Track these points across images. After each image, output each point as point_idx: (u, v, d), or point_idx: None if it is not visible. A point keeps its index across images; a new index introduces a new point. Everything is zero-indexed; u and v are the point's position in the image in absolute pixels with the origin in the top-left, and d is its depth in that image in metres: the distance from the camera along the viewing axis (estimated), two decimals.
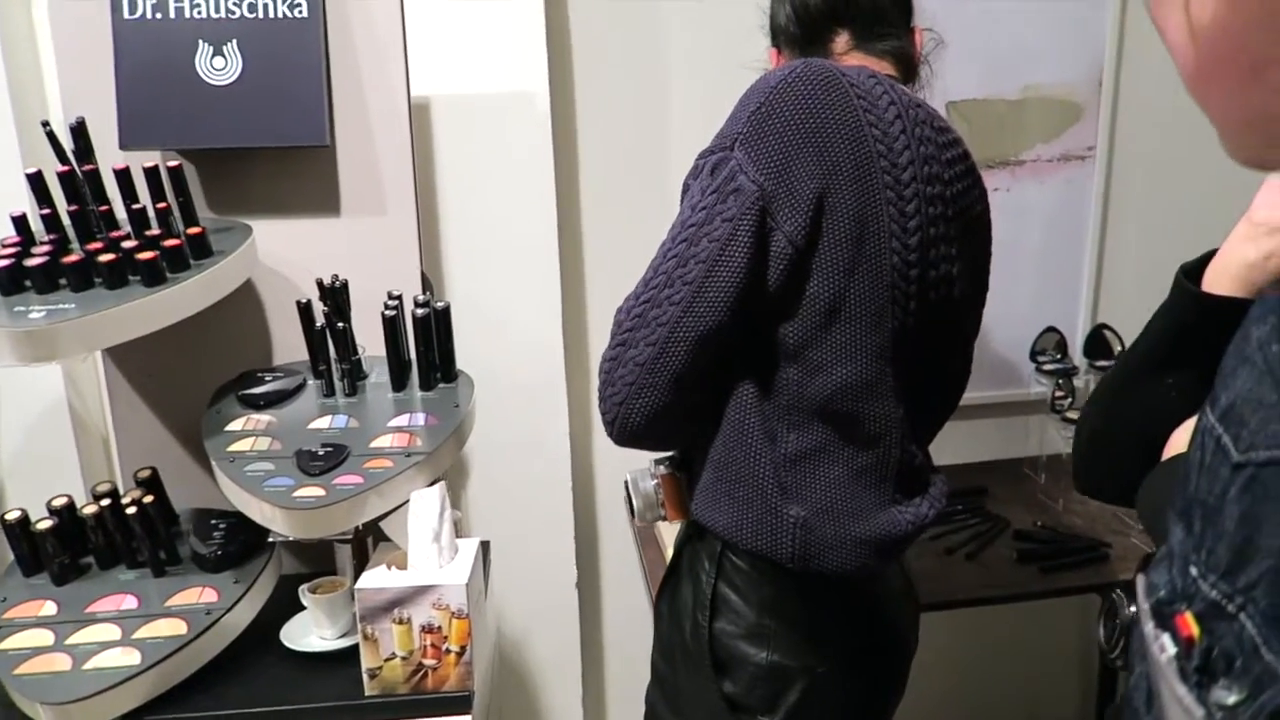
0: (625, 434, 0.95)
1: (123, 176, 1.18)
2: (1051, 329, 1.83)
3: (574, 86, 1.70)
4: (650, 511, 1.04)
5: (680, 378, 0.89)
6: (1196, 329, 0.73)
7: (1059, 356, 1.82)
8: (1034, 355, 1.84)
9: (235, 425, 1.22)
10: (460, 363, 1.31)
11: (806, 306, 0.89)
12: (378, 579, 1.11)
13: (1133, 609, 0.73)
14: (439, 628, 1.11)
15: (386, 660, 1.12)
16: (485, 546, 1.43)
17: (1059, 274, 1.90)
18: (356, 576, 1.16)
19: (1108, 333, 1.77)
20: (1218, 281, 0.72)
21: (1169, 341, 0.76)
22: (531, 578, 1.73)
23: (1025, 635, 2.08)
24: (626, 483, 1.05)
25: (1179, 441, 0.74)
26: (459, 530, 1.23)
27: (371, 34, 1.32)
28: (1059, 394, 1.76)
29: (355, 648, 1.13)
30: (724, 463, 0.96)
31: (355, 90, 1.33)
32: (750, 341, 0.92)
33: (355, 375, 1.26)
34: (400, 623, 1.11)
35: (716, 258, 0.85)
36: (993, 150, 1.82)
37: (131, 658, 1.08)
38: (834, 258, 0.87)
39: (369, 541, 1.25)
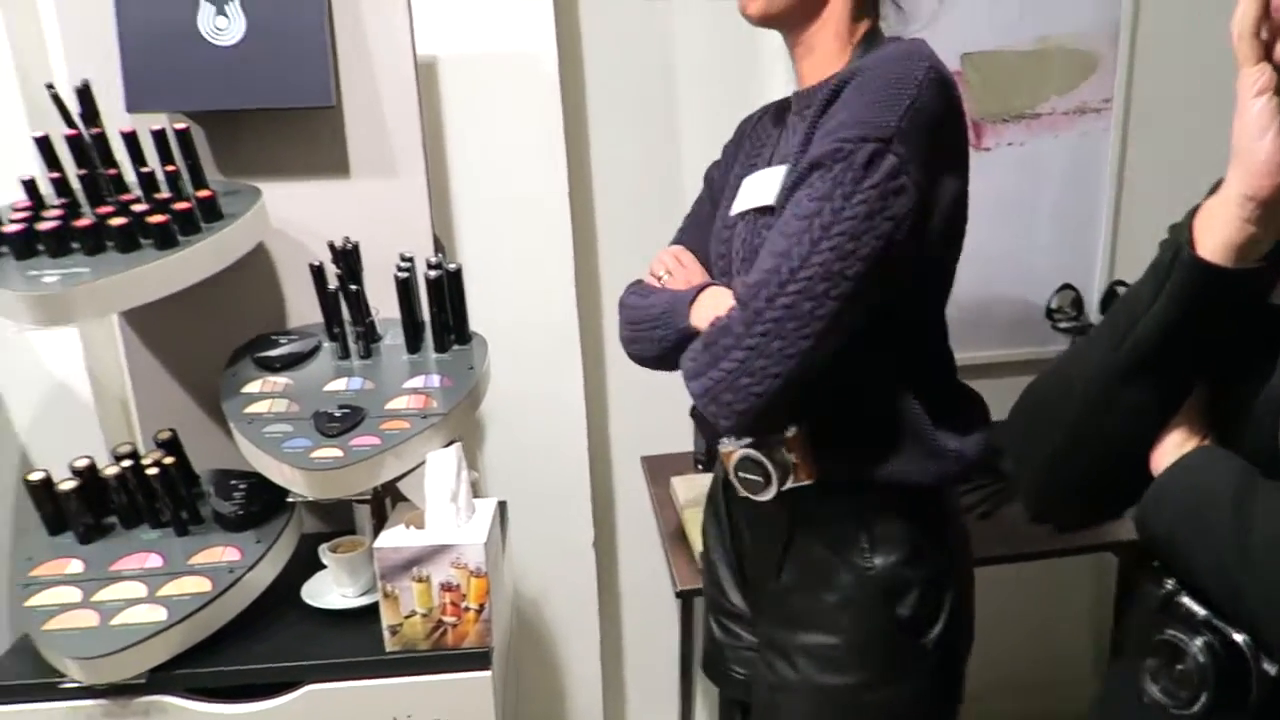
0: (758, 423, 0.93)
1: (130, 139, 1.17)
2: (1067, 286, 1.82)
3: (581, 45, 1.68)
4: (788, 477, 1.00)
5: (819, 366, 0.90)
6: (1212, 313, 0.64)
7: (1075, 314, 1.80)
8: (1049, 313, 1.82)
9: (252, 387, 1.23)
10: (473, 324, 1.31)
11: (928, 285, 0.99)
12: (396, 538, 1.12)
13: (1200, 641, 0.62)
14: (458, 586, 1.13)
15: (407, 617, 1.14)
16: (503, 507, 1.45)
17: (1075, 230, 1.87)
18: (375, 535, 1.17)
19: (1125, 290, 1.75)
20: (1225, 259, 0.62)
21: (1176, 332, 0.65)
22: (549, 538, 1.75)
23: (1039, 595, 2.09)
24: (749, 458, 1.00)
25: (1169, 451, 0.68)
26: (476, 491, 1.24)
27: None
28: None
29: (376, 605, 1.15)
30: (871, 419, 0.99)
31: (360, 49, 1.32)
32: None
33: (370, 338, 1.27)
34: (420, 581, 1.12)
35: (880, 257, 0.86)
36: (1006, 103, 1.79)
37: (158, 614, 1.10)
38: (955, 250, 0.98)
39: (387, 501, 1.27)
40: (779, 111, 1.11)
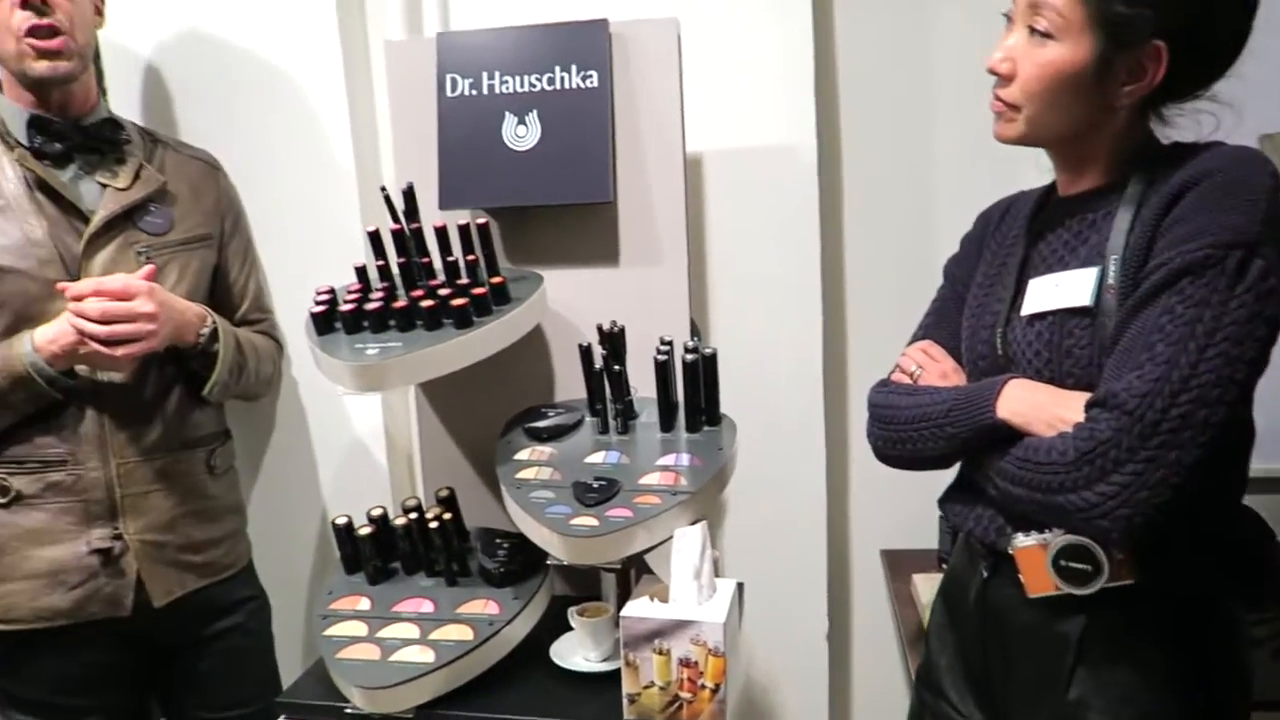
0: (1147, 534, 0.91)
1: (440, 233, 1.35)
2: None
3: (840, 139, 1.72)
4: (1111, 576, 0.96)
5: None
6: None
7: None
8: None
9: (522, 455, 1.34)
10: (723, 406, 1.36)
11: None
12: (641, 609, 1.17)
13: None
14: (696, 663, 1.16)
15: (645, 687, 1.18)
16: (740, 588, 1.47)
17: None
18: (619, 604, 1.23)
19: None
20: None
21: None
22: (782, 624, 1.74)
23: None
24: (1080, 546, 0.96)
25: None
26: (716, 570, 1.27)
27: (652, 97, 1.43)
28: None
29: (617, 672, 1.20)
30: (1197, 525, 0.95)
31: (636, 149, 1.44)
32: None
33: (627, 415, 1.36)
34: (660, 653, 1.16)
35: (1259, 357, 0.90)
36: None
37: (427, 655, 1.22)
38: None
39: (632, 572, 1.33)
40: (1031, 220, 1.09)
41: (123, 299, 1.25)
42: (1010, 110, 1.00)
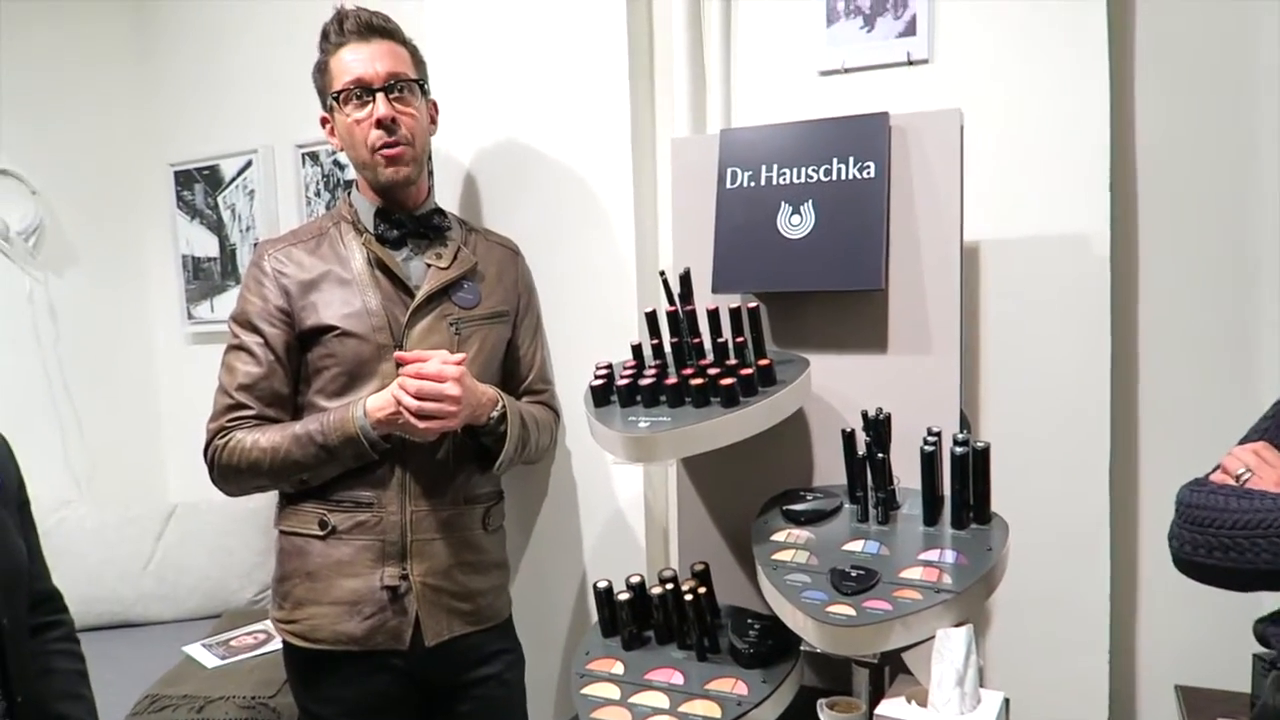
0: None
1: (712, 315, 1.41)
2: None
3: (1138, 228, 1.61)
4: None
5: None
6: None
7: None
8: None
9: (779, 536, 1.35)
10: (994, 505, 1.29)
11: None
12: (898, 709, 1.12)
13: None
14: None
15: None
16: (1007, 704, 1.36)
17: None
18: (872, 702, 1.19)
19: None
20: None
21: None
22: None
23: None
24: None
25: None
26: (981, 680, 1.19)
27: (931, 187, 1.42)
28: None
29: None
30: None
31: (911, 238, 1.43)
32: None
33: (889, 505, 1.32)
34: None
35: None
36: None
37: None
38: None
39: (886, 670, 1.28)
40: None
41: (437, 382, 1.41)
42: None
